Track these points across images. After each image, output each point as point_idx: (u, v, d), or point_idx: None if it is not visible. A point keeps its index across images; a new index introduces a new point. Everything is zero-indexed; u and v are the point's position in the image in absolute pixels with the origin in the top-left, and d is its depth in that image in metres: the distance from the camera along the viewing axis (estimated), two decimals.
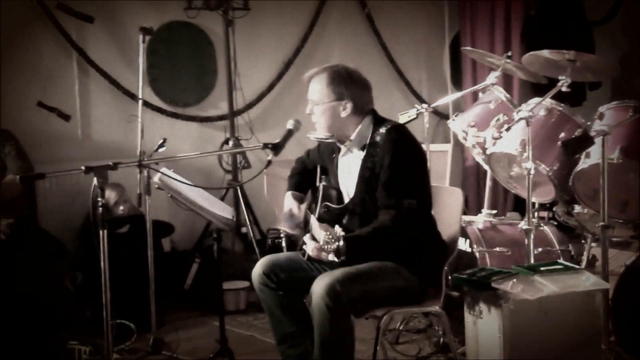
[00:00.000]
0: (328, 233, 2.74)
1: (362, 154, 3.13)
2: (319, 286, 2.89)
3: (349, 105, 3.12)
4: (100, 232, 2.80)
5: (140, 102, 4.19)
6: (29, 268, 3.98)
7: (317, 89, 3.14)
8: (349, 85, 3.13)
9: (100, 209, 2.80)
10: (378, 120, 3.18)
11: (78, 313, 4.23)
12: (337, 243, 2.74)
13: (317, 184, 3.35)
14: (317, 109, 3.15)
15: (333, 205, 3.18)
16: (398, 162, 3.02)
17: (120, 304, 3.52)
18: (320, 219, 3.13)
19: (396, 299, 3.08)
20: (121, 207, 4.88)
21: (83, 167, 2.81)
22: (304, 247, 2.97)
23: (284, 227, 3.37)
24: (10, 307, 3.79)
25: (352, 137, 3.16)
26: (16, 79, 5.12)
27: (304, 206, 3.36)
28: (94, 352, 3.90)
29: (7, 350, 3.70)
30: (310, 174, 3.46)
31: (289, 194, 3.43)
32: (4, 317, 3.75)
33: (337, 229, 2.76)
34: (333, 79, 3.12)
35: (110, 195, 4.82)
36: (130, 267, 4.47)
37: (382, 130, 3.10)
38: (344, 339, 2.97)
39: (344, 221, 3.16)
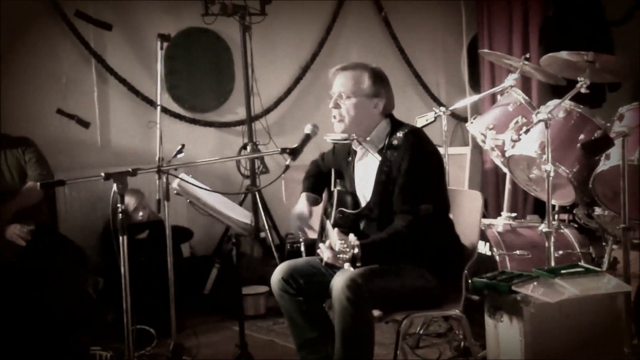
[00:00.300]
0: (343, 242, 2.73)
1: (378, 157, 3.13)
2: (340, 280, 2.88)
3: (381, 104, 3.15)
4: (120, 238, 2.82)
5: (158, 108, 4.21)
6: (49, 274, 4.01)
7: (354, 82, 3.13)
8: (385, 84, 3.18)
9: (120, 215, 2.81)
10: (395, 124, 3.18)
11: (100, 318, 4.25)
12: (352, 251, 2.73)
13: (332, 188, 3.35)
14: (347, 102, 3.12)
15: (348, 211, 3.17)
16: (415, 167, 3.01)
17: (141, 309, 3.54)
18: (335, 225, 3.13)
19: (416, 300, 3.08)
20: (140, 213, 4.90)
21: (103, 174, 2.83)
22: (318, 251, 2.96)
23: (294, 229, 3.37)
24: (31, 312, 3.81)
25: (369, 137, 3.16)
26: (36, 86, 5.16)
27: (319, 208, 3.36)
28: (115, 358, 3.92)
29: (28, 356, 3.72)
30: (324, 177, 3.47)
31: (303, 195, 3.44)
32: (25, 322, 3.77)
33: (352, 238, 2.74)
34: (376, 76, 3.15)
35: (130, 201, 4.84)
36: (150, 272, 4.49)
37: (400, 134, 3.10)
38: (365, 332, 2.96)
39: (361, 226, 3.15)
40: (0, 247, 4.10)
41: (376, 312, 3.07)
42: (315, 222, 3.39)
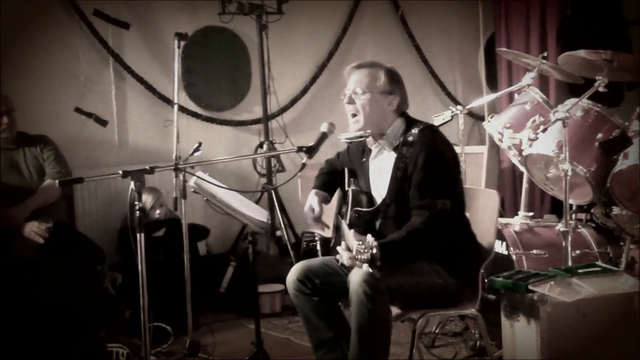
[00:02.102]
0: (360, 242, 2.72)
1: (394, 155, 3.12)
2: (358, 275, 2.88)
3: (396, 102, 3.15)
4: (138, 235, 2.83)
5: (175, 106, 4.22)
6: (67, 271, 4.03)
7: (369, 79, 3.14)
8: (399, 83, 3.19)
9: (138, 212, 2.83)
10: (410, 121, 3.18)
11: (118, 314, 4.28)
12: (370, 252, 2.71)
13: (346, 187, 3.34)
14: (362, 98, 3.12)
15: (364, 210, 3.16)
16: (431, 163, 3.01)
17: (157, 307, 3.55)
18: (351, 225, 3.13)
19: (433, 297, 3.07)
20: (157, 211, 4.93)
21: (121, 172, 2.84)
22: (337, 257, 2.95)
23: (308, 223, 3.37)
24: (47, 308, 3.83)
25: (385, 135, 3.16)
26: (54, 84, 5.20)
27: (331, 207, 3.36)
28: (132, 355, 3.94)
29: (45, 352, 3.75)
30: (337, 175, 3.46)
31: (313, 192, 3.44)
32: (42, 318, 3.80)
33: (370, 238, 2.72)
34: (391, 74, 3.17)
35: (147, 199, 4.86)
36: (167, 270, 4.51)
37: (415, 130, 3.10)
38: (382, 327, 2.95)
39: (377, 224, 3.14)
40: (19, 244, 4.13)
41: (394, 311, 3.05)
42: (327, 220, 3.38)
